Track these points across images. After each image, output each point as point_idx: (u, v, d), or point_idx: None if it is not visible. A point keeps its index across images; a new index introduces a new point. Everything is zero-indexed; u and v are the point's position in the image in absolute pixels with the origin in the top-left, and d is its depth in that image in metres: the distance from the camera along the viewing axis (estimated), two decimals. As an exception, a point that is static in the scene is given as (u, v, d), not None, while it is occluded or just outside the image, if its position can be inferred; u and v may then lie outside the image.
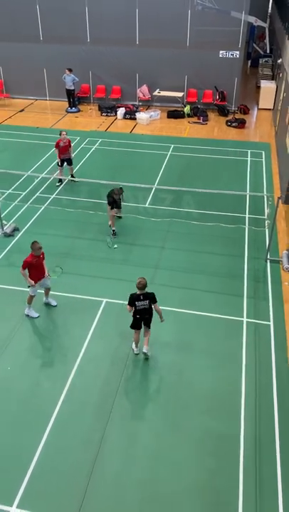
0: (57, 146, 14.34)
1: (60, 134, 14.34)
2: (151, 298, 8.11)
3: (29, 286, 9.09)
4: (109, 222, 12.23)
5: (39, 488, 6.44)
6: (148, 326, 8.38)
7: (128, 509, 6.22)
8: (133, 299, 8.07)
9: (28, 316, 9.39)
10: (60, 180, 14.81)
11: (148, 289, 8.10)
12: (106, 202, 12.07)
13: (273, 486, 6.48)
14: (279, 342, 8.86)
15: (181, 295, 9.97)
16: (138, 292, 8.04)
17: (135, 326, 8.35)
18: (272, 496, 6.37)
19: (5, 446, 7.00)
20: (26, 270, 8.93)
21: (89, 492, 6.39)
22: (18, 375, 8.17)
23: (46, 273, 9.30)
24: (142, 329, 8.44)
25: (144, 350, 8.40)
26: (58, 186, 14.67)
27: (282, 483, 6.52)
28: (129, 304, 8.14)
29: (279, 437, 7.12)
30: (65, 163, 14.66)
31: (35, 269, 9.00)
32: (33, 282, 8.99)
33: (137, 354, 8.56)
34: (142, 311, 8.13)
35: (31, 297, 9.27)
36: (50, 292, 9.74)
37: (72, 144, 14.81)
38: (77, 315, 9.47)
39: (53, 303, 9.69)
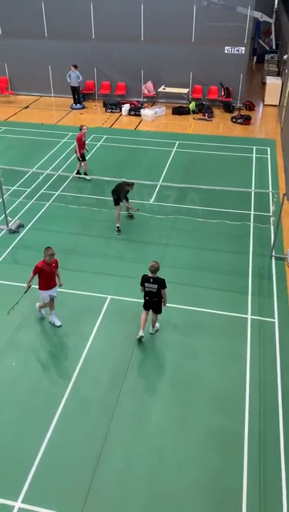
0: (79, 140, 14.40)
1: (81, 129, 14.39)
2: (161, 283, 8.35)
3: (26, 292, 8.86)
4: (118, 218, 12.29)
5: (44, 484, 6.48)
6: (155, 311, 8.70)
7: (132, 505, 6.24)
8: (143, 280, 8.44)
9: (39, 311, 9.28)
10: (79, 172, 14.90)
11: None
12: (113, 198, 12.11)
13: (277, 484, 6.48)
14: (284, 339, 8.84)
15: (186, 292, 9.96)
16: (149, 275, 8.34)
17: (145, 306, 8.67)
18: (277, 494, 6.36)
19: (10, 442, 7.04)
20: (32, 276, 8.58)
21: (93, 488, 6.42)
22: (22, 371, 8.20)
23: (58, 284, 8.93)
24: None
25: (151, 331, 8.90)
26: (79, 178, 14.78)
27: (286, 481, 6.52)
28: (140, 284, 8.51)
29: (283, 435, 7.11)
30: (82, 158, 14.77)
31: (46, 277, 8.59)
32: (27, 287, 8.77)
33: (140, 338, 8.65)
34: (150, 293, 8.42)
35: (43, 305, 9.12)
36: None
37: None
38: (81, 312, 9.48)
39: (57, 323, 9.12)
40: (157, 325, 8.97)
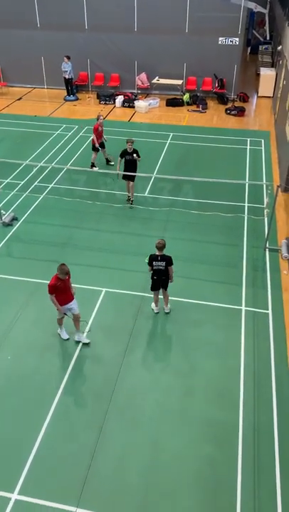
0: (95, 131, 14.31)
1: (98, 119, 14.29)
2: (168, 260, 8.60)
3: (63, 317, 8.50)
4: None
5: (40, 475, 6.51)
6: (165, 288, 8.96)
7: (128, 496, 6.29)
8: (152, 259, 8.61)
9: (60, 329, 8.71)
10: (94, 165, 14.80)
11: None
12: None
13: (271, 473, 6.55)
14: (277, 330, 8.90)
15: (180, 284, 9.97)
16: (157, 253, 8.55)
17: (154, 287, 8.92)
18: (271, 483, 6.44)
19: (6, 434, 7.06)
20: (51, 297, 8.09)
21: (89, 479, 6.47)
22: (18, 363, 8.21)
23: (73, 293, 8.36)
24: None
25: (166, 310, 9.22)
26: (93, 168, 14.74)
27: (280, 469, 6.59)
28: (149, 264, 8.66)
29: (277, 425, 7.18)
30: (101, 147, 14.70)
31: (60, 292, 8.07)
32: (61, 310, 8.25)
33: (157, 313, 9.18)
34: (158, 271, 8.64)
35: (60, 319, 8.61)
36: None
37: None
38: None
39: (85, 340, 8.55)
40: (170, 306, 9.27)
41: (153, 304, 9.28)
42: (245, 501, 6.22)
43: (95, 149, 14.59)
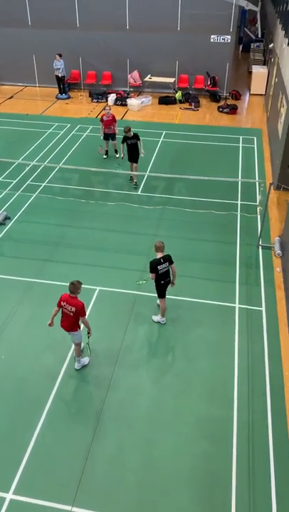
0: (101, 120, 14.66)
1: (104, 109, 14.68)
2: (169, 259, 8.47)
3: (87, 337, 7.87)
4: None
5: (35, 474, 6.50)
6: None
7: (124, 493, 6.31)
8: (155, 264, 8.32)
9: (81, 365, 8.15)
10: (106, 152, 15.25)
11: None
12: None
13: (266, 469, 6.59)
14: (271, 327, 8.95)
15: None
16: (158, 256, 8.36)
17: (162, 293, 8.70)
18: (265, 478, 6.48)
19: (0, 433, 7.04)
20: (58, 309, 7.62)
21: (84, 477, 6.47)
22: (13, 362, 8.18)
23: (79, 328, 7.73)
24: None
25: (158, 321, 9.06)
26: (106, 158, 15.24)
27: (274, 465, 6.64)
28: (151, 271, 8.35)
29: (271, 421, 7.22)
30: (110, 139, 14.99)
31: (63, 313, 7.65)
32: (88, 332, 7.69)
33: (164, 323, 8.97)
34: (164, 274, 8.49)
35: (77, 347, 7.96)
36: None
37: (116, 120, 14.96)
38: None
39: (77, 366, 8.03)
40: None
41: (157, 317, 9.00)
42: (240, 497, 6.26)
43: (104, 138, 14.98)
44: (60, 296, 7.63)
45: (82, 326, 7.79)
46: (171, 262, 8.52)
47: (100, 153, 14.33)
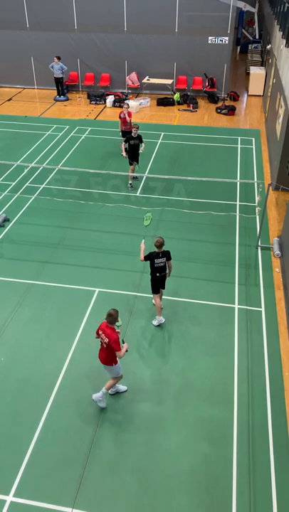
0: (119, 117, 14.88)
1: (122, 106, 14.79)
2: (168, 255, 8.59)
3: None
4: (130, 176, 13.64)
5: (35, 477, 6.49)
6: (164, 286, 8.90)
7: (124, 495, 6.30)
8: (153, 257, 8.47)
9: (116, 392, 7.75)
10: (125, 150, 15.07)
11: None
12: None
13: (266, 469, 6.59)
14: (270, 327, 8.95)
15: (173, 283, 9.99)
16: (157, 250, 8.47)
17: (156, 288, 8.78)
18: (266, 479, 6.47)
19: (0, 435, 7.02)
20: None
21: (84, 479, 6.46)
22: (13, 364, 8.17)
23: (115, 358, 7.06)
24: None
25: (160, 321, 9.05)
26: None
27: (274, 465, 6.63)
28: (145, 258, 8.51)
29: (271, 421, 7.22)
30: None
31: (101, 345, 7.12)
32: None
33: (163, 322, 8.99)
34: (160, 268, 8.58)
35: (112, 381, 7.36)
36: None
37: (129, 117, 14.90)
38: (70, 305, 9.46)
39: (99, 399, 7.38)
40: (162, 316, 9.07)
41: (156, 321, 8.95)
42: (240, 497, 6.25)
43: (122, 135, 15.02)
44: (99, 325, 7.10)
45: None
46: (169, 258, 8.61)
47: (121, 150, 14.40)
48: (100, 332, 7.02)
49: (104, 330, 6.94)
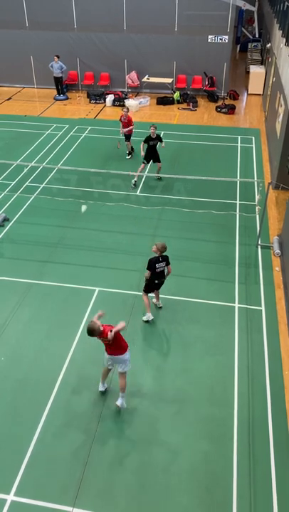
0: (120, 120, 14.94)
1: (123, 110, 14.91)
2: (167, 260, 8.60)
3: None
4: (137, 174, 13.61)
5: (36, 476, 6.49)
6: (159, 288, 9.00)
7: (124, 493, 6.30)
8: (153, 263, 8.42)
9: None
10: (129, 153, 15.45)
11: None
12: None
13: (267, 468, 6.59)
14: (270, 326, 8.95)
15: (173, 282, 9.98)
16: (157, 255, 8.46)
17: (151, 289, 8.85)
18: (266, 478, 6.47)
19: (1, 435, 7.03)
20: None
21: (85, 478, 6.46)
22: (13, 363, 8.17)
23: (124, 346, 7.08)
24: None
25: (160, 305, 9.29)
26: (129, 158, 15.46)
27: (275, 464, 6.63)
28: (148, 268, 8.46)
29: (272, 420, 7.21)
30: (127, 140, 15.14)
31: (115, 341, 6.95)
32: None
33: (151, 320, 9.01)
34: (160, 273, 8.59)
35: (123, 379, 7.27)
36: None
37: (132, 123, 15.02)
38: (70, 304, 9.46)
39: (123, 405, 7.32)
40: (161, 301, 9.30)
41: (146, 316, 8.99)
42: (241, 496, 6.25)
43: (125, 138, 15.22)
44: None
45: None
46: (168, 263, 8.60)
47: (118, 148, 14.89)
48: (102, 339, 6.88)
49: (101, 336, 6.81)
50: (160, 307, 9.32)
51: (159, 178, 14.18)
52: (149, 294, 9.02)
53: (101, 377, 7.58)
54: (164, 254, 8.52)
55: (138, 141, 15.60)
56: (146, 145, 13.57)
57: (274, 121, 15.65)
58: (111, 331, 6.72)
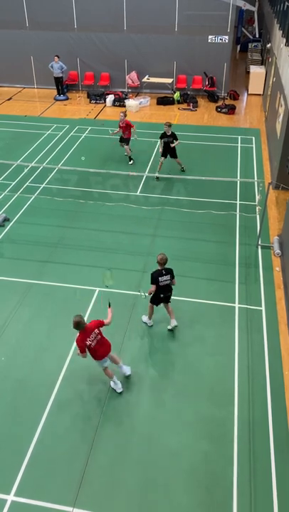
0: (119, 126, 14.94)
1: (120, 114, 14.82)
2: (171, 273, 8.28)
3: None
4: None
5: (36, 476, 6.49)
6: (168, 301, 8.64)
7: (124, 493, 6.30)
8: (156, 276, 8.13)
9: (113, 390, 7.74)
10: (131, 158, 15.36)
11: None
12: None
13: (267, 468, 6.59)
14: (270, 326, 8.95)
15: (174, 282, 10.01)
16: (160, 268, 8.15)
17: (157, 301, 8.52)
18: (266, 478, 6.47)
19: (1, 435, 7.03)
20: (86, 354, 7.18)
21: (85, 478, 6.46)
22: (13, 363, 8.18)
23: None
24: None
25: (174, 324, 8.67)
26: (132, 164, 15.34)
27: (275, 464, 6.63)
28: (152, 282, 8.13)
29: (272, 420, 7.22)
30: (124, 143, 15.04)
31: (98, 345, 7.24)
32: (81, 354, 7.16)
33: (151, 326, 8.89)
34: (165, 287, 8.27)
35: (105, 370, 7.59)
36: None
37: (132, 125, 14.87)
38: (70, 305, 9.45)
39: (127, 372, 7.80)
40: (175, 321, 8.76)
41: (146, 318, 8.82)
42: (241, 496, 6.25)
43: (120, 141, 15.15)
44: (77, 345, 7.06)
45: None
46: (173, 276, 8.31)
47: (112, 135, 15.21)
48: (89, 341, 7.06)
49: (87, 333, 7.04)
50: (170, 329, 8.76)
51: (182, 169, 14.63)
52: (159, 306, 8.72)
53: (110, 376, 7.61)
54: (167, 267, 8.25)
55: (142, 142, 15.63)
56: (162, 141, 13.97)
57: (274, 122, 15.64)
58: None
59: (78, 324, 6.98)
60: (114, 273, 10.25)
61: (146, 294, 8.38)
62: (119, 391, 7.61)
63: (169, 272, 8.25)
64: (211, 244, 11.36)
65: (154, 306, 8.68)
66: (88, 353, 7.20)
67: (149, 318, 8.86)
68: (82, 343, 7.03)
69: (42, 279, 10.11)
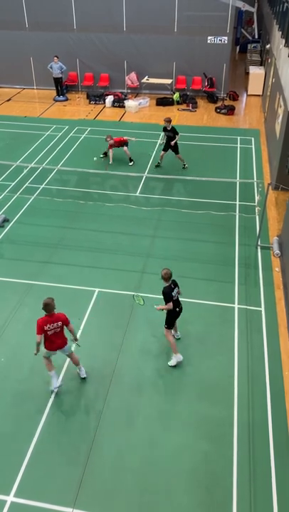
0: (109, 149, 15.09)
1: (106, 140, 14.86)
2: (177, 284, 8.08)
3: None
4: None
5: (36, 477, 6.49)
6: (178, 316, 8.31)
7: (124, 495, 6.30)
8: (169, 292, 7.77)
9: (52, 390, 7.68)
10: (131, 159, 15.39)
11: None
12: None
13: (266, 468, 6.59)
14: (270, 327, 8.95)
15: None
16: (168, 283, 7.85)
17: (172, 322, 8.12)
18: (266, 478, 6.48)
19: (1, 435, 7.03)
20: (41, 336, 7.18)
21: (85, 479, 6.46)
22: (13, 364, 8.18)
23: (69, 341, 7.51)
24: None
25: (178, 336, 8.64)
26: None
27: (275, 464, 6.63)
28: (167, 300, 7.76)
29: (272, 421, 7.22)
30: (124, 145, 15.12)
31: (54, 337, 7.32)
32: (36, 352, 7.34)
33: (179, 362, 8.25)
34: (177, 300, 8.03)
35: (48, 359, 7.58)
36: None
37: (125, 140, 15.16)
38: (69, 305, 9.41)
39: (83, 374, 7.88)
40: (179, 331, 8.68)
41: (173, 359, 8.13)
42: (241, 497, 6.25)
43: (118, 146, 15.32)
44: (36, 325, 7.10)
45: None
46: (178, 287, 8.14)
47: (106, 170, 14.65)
48: (47, 326, 7.11)
49: (50, 320, 7.13)
50: (178, 338, 8.63)
51: (184, 166, 14.93)
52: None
53: (50, 369, 7.55)
54: (172, 279, 7.99)
55: (142, 143, 15.65)
56: (164, 135, 14.48)
57: (273, 122, 15.66)
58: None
59: (47, 306, 7.06)
60: (114, 273, 10.31)
61: (141, 303, 8.43)
62: (53, 388, 7.52)
63: (176, 284, 8.08)
64: (211, 244, 11.36)
65: (170, 330, 8.17)
66: (43, 341, 7.27)
67: (175, 351, 8.12)
68: (43, 324, 7.08)
69: (42, 280, 10.11)
